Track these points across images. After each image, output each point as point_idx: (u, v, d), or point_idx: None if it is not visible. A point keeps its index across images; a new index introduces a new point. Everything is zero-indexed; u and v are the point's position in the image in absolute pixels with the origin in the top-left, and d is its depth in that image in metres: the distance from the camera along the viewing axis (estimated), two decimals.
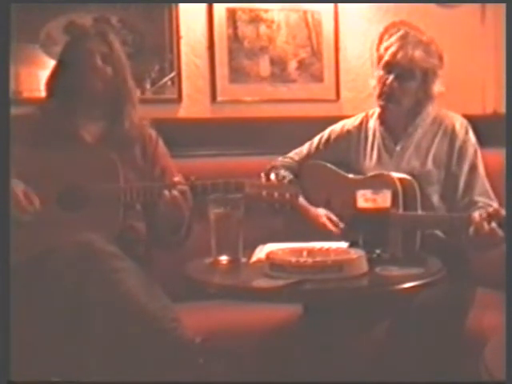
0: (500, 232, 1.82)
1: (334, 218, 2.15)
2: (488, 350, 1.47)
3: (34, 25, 2.50)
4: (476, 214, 1.86)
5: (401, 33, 2.21)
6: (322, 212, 2.17)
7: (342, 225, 2.13)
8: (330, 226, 2.14)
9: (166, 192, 1.92)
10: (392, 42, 2.16)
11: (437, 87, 2.14)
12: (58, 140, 2.01)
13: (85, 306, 1.74)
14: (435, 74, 2.13)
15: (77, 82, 2.02)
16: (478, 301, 2.10)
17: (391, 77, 2.12)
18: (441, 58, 2.16)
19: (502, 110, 2.87)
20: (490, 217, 1.84)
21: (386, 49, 2.16)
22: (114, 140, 2.06)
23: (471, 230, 1.86)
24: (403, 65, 2.11)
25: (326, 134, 2.33)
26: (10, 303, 1.51)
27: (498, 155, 2.17)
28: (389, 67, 2.13)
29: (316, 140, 2.34)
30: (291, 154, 2.37)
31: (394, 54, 2.12)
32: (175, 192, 1.91)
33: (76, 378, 1.77)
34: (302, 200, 2.17)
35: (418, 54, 2.10)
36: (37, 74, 2.42)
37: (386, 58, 2.14)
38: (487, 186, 2.13)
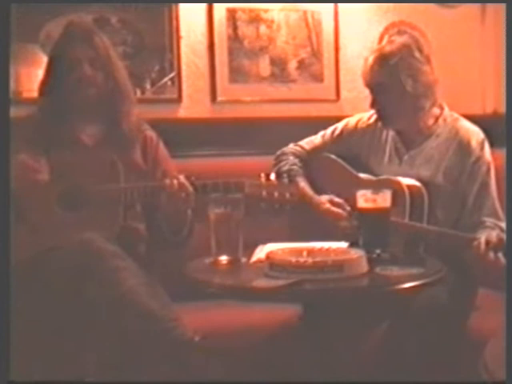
0: (504, 262, 1.79)
1: (338, 199, 2.13)
2: (488, 350, 1.47)
3: (34, 25, 2.50)
4: (482, 240, 1.82)
5: (373, 49, 2.19)
6: (325, 198, 2.15)
7: (347, 207, 2.09)
8: (335, 210, 2.11)
9: (166, 185, 1.92)
10: (364, 63, 2.15)
11: (411, 86, 2.07)
12: (57, 141, 2.01)
13: (85, 305, 1.74)
14: (407, 76, 2.07)
15: (68, 91, 2.01)
16: (478, 301, 2.09)
17: (372, 97, 2.13)
18: (414, 56, 2.08)
19: (502, 109, 2.87)
20: (497, 246, 1.80)
21: (362, 71, 2.16)
22: (113, 142, 2.05)
23: (476, 255, 1.83)
24: (371, 85, 2.11)
25: (339, 126, 2.31)
26: (11, 303, 1.51)
27: (498, 155, 2.17)
28: (369, 89, 2.14)
29: (329, 132, 2.32)
30: (302, 143, 2.34)
31: (365, 76, 2.13)
32: (174, 185, 1.91)
33: (76, 377, 1.77)
34: (306, 189, 2.16)
35: (377, 69, 2.08)
36: (37, 74, 2.41)
37: (363, 80, 2.15)
38: (497, 206, 2.07)
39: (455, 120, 2.17)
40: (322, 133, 2.34)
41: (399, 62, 2.07)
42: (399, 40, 2.14)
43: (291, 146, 2.34)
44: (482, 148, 2.10)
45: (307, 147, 2.33)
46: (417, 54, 2.10)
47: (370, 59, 2.12)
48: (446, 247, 1.95)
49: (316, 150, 2.31)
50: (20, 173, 1.88)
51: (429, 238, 1.96)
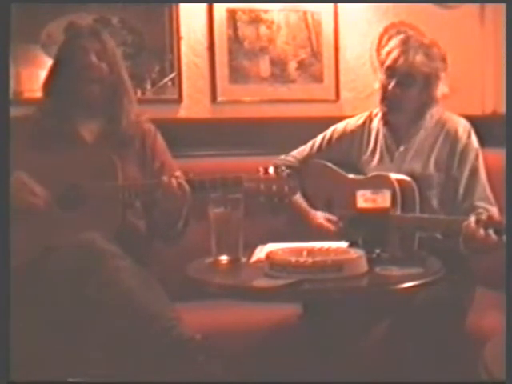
0: (494, 238, 1.80)
1: (333, 217, 2.15)
2: (488, 349, 1.47)
3: (35, 25, 2.50)
4: (472, 219, 1.84)
5: (402, 36, 2.17)
6: (320, 215, 2.17)
7: (341, 224, 2.11)
8: (327, 225, 2.13)
9: (163, 183, 1.92)
10: (393, 47, 2.13)
11: (440, 90, 2.12)
12: (57, 140, 2.02)
13: (85, 305, 1.75)
14: (438, 77, 2.11)
15: (73, 80, 2.03)
16: (477, 301, 2.10)
17: (392, 83, 2.11)
18: (444, 60, 2.13)
19: (502, 110, 2.88)
20: (487, 223, 1.82)
21: (388, 53, 2.13)
22: (112, 138, 2.07)
23: (466, 234, 1.84)
24: (404, 71, 2.09)
25: (328, 133, 2.32)
26: (10, 303, 1.51)
27: (498, 155, 2.17)
28: (390, 72, 2.12)
29: (318, 139, 2.34)
30: (294, 153, 2.36)
31: (395, 60, 2.10)
32: (173, 183, 1.91)
33: (76, 377, 1.77)
34: (301, 201, 2.17)
35: (419, 59, 2.08)
36: (38, 75, 2.42)
37: (388, 62, 2.12)
38: (488, 191, 2.11)
39: (441, 112, 2.20)
40: (311, 141, 2.36)
41: (437, 61, 2.10)
42: (425, 38, 2.14)
43: (282, 156, 2.36)
44: (469, 136, 2.14)
45: (299, 157, 2.35)
46: (444, 57, 2.14)
47: (407, 45, 2.09)
48: (441, 240, 1.97)
49: (307, 159, 2.33)
50: (19, 194, 1.89)
51: (422, 227, 1.98)
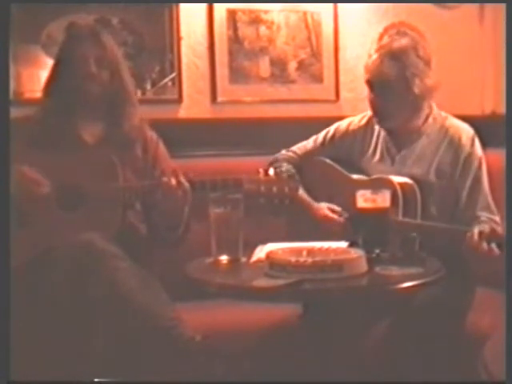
0: (497, 252, 1.81)
1: (337, 208, 2.14)
2: (487, 349, 1.47)
3: (36, 26, 2.50)
4: (475, 231, 1.84)
5: (378, 45, 2.16)
6: (323, 205, 2.17)
7: (345, 215, 2.11)
8: (332, 215, 2.13)
9: (163, 183, 1.92)
10: (367, 61, 2.14)
11: (417, 86, 2.08)
12: (57, 141, 2.02)
13: (85, 305, 1.75)
14: (414, 75, 2.07)
15: (73, 88, 2.02)
16: (477, 301, 2.10)
17: (372, 95, 2.13)
18: (419, 56, 2.09)
19: (501, 110, 2.88)
20: (490, 236, 1.82)
21: (364, 67, 2.15)
22: (113, 141, 2.06)
23: (469, 246, 1.84)
24: (376, 81, 2.10)
25: (331, 130, 2.32)
26: (10, 303, 1.51)
27: (497, 155, 2.17)
28: (369, 86, 2.14)
29: (321, 136, 2.33)
30: (294, 148, 2.35)
31: (369, 73, 2.12)
32: (172, 183, 1.91)
33: (76, 377, 1.77)
34: (304, 195, 2.17)
35: (385, 65, 2.07)
36: (38, 75, 2.43)
37: (365, 77, 2.14)
38: (490, 200, 2.10)
39: (444, 118, 2.19)
40: (313, 137, 2.35)
41: (407, 60, 2.07)
42: (403, 40, 2.13)
43: (284, 151, 2.35)
44: (472, 144, 2.12)
45: (299, 152, 2.34)
46: (421, 54, 2.11)
47: (376, 55, 2.10)
48: (443, 244, 1.96)
49: (308, 155, 2.32)
50: (22, 184, 1.89)
51: (423, 233, 1.98)
